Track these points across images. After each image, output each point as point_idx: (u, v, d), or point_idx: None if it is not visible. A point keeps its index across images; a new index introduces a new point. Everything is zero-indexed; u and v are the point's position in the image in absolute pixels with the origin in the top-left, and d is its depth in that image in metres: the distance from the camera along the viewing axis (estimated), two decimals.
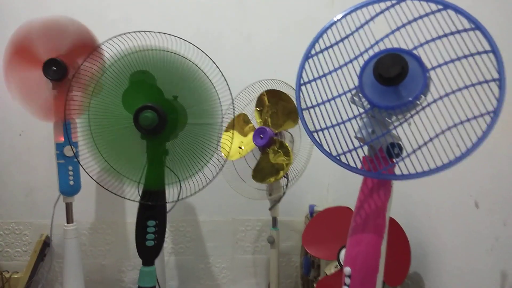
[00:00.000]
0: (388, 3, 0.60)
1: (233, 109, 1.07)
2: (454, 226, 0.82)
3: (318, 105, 0.62)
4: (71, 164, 1.20)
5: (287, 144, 1.20)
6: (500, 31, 0.58)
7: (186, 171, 1.05)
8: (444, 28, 0.56)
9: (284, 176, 1.22)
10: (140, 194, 1.05)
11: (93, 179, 1.02)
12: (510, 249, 0.66)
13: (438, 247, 0.87)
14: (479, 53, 0.54)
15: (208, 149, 1.05)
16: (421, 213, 0.94)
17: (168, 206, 1.08)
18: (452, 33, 0.56)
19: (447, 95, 0.55)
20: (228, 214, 1.58)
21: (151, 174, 1.04)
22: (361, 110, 0.60)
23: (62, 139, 1.19)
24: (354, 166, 0.59)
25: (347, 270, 0.62)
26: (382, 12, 0.60)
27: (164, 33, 1.01)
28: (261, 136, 1.21)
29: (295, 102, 1.10)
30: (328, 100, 0.61)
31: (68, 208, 1.24)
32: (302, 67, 0.63)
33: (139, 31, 1.01)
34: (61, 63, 1.12)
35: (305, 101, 0.63)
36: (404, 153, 0.58)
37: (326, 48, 0.63)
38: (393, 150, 0.60)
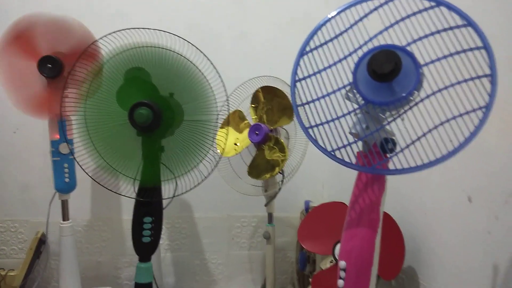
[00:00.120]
0: (382, 0, 0.61)
1: (228, 106, 1.07)
2: (447, 221, 0.83)
3: (313, 101, 0.62)
4: (67, 162, 1.20)
5: (282, 140, 1.21)
6: (493, 28, 0.59)
7: (181, 168, 1.06)
8: (436, 24, 0.57)
9: (280, 172, 1.22)
10: (136, 190, 1.05)
11: (90, 176, 1.02)
12: (502, 242, 0.68)
13: (432, 241, 0.88)
14: (471, 49, 0.54)
15: (204, 146, 1.06)
16: (416, 208, 0.95)
17: (164, 202, 1.09)
18: (444, 30, 0.56)
19: (440, 90, 0.56)
20: (224, 211, 1.59)
21: (147, 170, 1.04)
22: (356, 106, 0.61)
23: (58, 136, 1.18)
24: (349, 161, 0.59)
25: (342, 263, 0.63)
26: (376, 9, 0.61)
27: (160, 30, 1.01)
28: (257, 132, 1.21)
29: (290, 99, 1.11)
30: (323, 96, 0.62)
31: (64, 205, 1.24)
32: (297, 64, 0.64)
33: (134, 28, 1.01)
34: (57, 60, 1.12)
35: (300, 97, 0.63)
36: (398, 148, 0.59)
37: (321, 45, 0.64)
38: (387, 145, 0.60)
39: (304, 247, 1.04)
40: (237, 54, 1.54)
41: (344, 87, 0.62)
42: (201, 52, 1.02)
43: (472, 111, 0.53)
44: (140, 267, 1.06)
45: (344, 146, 0.60)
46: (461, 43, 0.55)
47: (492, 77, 0.52)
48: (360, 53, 0.61)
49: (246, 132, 1.25)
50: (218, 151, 1.14)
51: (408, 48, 0.58)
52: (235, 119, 1.31)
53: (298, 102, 0.63)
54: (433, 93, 0.56)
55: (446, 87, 0.55)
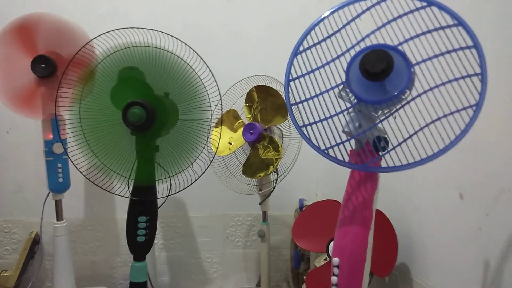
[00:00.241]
0: (374, 0, 0.61)
1: (221, 106, 1.08)
2: (440, 218, 0.85)
3: (307, 100, 0.63)
4: (60, 161, 1.20)
5: (276, 139, 1.21)
6: (483, 27, 0.60)
7: (176, 167, 1.06)
8: (428, 24, 0.57)
9: (274, 171, 1.23)
10: (131, 190, 1.05)
11: (85, 176, 1.02)
12: (492, 238, 0.69)
13: (425, 238, 0.89)
14: (461, 48, 0.55)
15: (198, 145, 1.06)
16: (408, 206, 0.96)
17: (159, 201, 1.09)
18: (435, 29, 0.57)
19: (431, 89, 0.57)
20: (219, 209, 1.59)
21: (142, 170, 1.04)
22: (348, 105, 0.61)
23: (51, 136, 1.18)
24: (342, 159, 0.60)
25: (335, 260, 0.63)
26: (368, 9, 0.61)
27: (154, 30, 1.01)
28: (251, 131, 1.22)
29: (284, 98, 1.11)
30: (316, 95, 0.62)
31: (58, 205, 1.24)
32: (290, 64, 0.64)
33: (128, 28, 1.01)
34: (50, 60, 1.11)
35: (293, 96, 0.64)
36: (390, 146, 0.59)
37: (314, 45, 0.64)
38: (379, 144, 0.61)
39: (298, 245, 1.05)
40: (231, 53, 1.55)
41: (337, 86, 0.62)
42: (194, 51, 1.03)
43: (463, 109, 0.53)
44: (135, 266, 1.06)
45: (337, 145, 0.60)
46: (451, 43, 0.56)
47: (482, 75, 0.53)
48: (352, 52, 0.61)
49: (240, 131, 1.26)
50: (212, 150, 1.14)
51: (400, 47, 0.59)
52: (229, 118, 1.31)
53: (292, 101, 0.64)
54: (425, 92, 0.57)
55: (437, 86, 0.56)
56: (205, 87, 1.04)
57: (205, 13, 1.54)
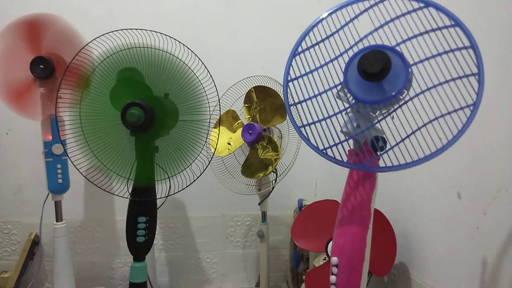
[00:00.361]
0: (372, 1, 0.62)
1: (219, 106, 1.08)
2: (437, 217, 0.85)
3: (305, 100, 0.63)
4: (60, 162, 1.20)
5: (275, 139, 1.22)
6: (480, 28, 0.60)
7: (175, 168, 1.06)
8: (425, 25, 0.58)
9: (273, 171, 1.23)
10: (130, 190, 1.05)
11: (85, 177, 1.02)
12: (490, 237, 0.69)
13: (423, 237, 0.90)
14: (459, 48, 0.55)
15: (197, 146, 1.06)
16: (406, 205, 0.97)
17: (158, 202, 1.09)
18: (433, 30, 0.58)
19: (428, 89, 0.57)
20: (218, 210, 1.59)
21: (141, 170, 1.05)
22: (347, 105, 0.62)
23: (50, 137, 1.18)
24: (340, 159, 0.60)
25: (334, 260, 0.64)
26: (366, 10, 0.62)
27: (152, 31, 1.01)
28: (250, 132, 1.22)
29: (282, 98, 1.12)
30: (315, 96, 0.63)
31: (57, 206, 1.24)
32: (289, 64, 0.65)
33: (126, 29, 1.01)
34: (49, 61, 1.12)
35: (292, 97, 0.64)
36: (388, 146, 0.60)
37: (313, 46, 0.64)
38: (377, 143, 0.61)
39: (297, 245, 1.05)
40: (230, 54, 1.55)
41: (335, 86, 0.63)
42: (192, 52, 1.03)
43: (460, 109, 0.54)
44: (135, 267, 1.07)
45: (336, 145, 0.61)
46: (449, 43, 0.56)
47: (479, 75, 0.53)
48: (351, 53, 0.62)
49: (239, 131, 1.26)
50: (212, 150, 1.14)
51: (397, 48, 0.59)
52: (228, 119, 1.31)
53: (291, 102, 0.64)
54: (422, 92, 0.57)
55: (434, 86, 0.57)
56: (203, 87, 1.05)
57: (204, 13, 1.54)
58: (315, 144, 0.61)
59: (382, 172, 0.60)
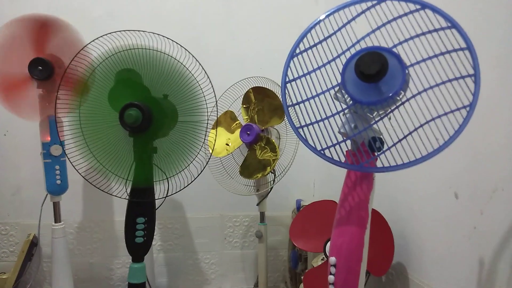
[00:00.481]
0: (369, 3, 0.62)
1: (217, 107, 1.08)
2: (435, 217, 0.85)
3: (303, 101, 0.64)
4: (58, 163, 1.20)
5: (273, 140, 1.22)
6: (476, 30, 0.61)
7: (173, 168, 1.06)
8: (422, 26, 0.58)
9: (271, 172, 1.24)
10: (129, 191, 1.06)
11: (84, 178, 1.02)
12: (487, 236, 0.70)
13: (420, 237, 0.90)
14: (455, 50, 0.56)
15: (195, 147, 1.06)
16: (404, 205, 0.97)
17: (157, 203, 1.09)
18: (429, 32, 0.58)
19: (425, 90, 0.57)
20: (216, 210, 1.60)
21: (139, 171, 1.05)
22: (344, 106, 0.62)
23: (49, 138, 1.18)
24: (338, 160, 0.61)
25: (332, 260, 0.64)
26: (363, 12, 0.62)
27: (149, 32, 1.02)
28: (248, 133, 1.22)
29: (280, 99, 1.12)
30: (313, 97, 0.63)
31: (56, 207, 1.24)
32: (287, 66, 0.65)
33: (124, 30, 1.01)
34: (48, 62, 1.12)
35: (290, 98, 0.65)
36: (385, 147, 0.60)
37: (310, 47, 0.65)
38: (375, 144, 0.62)
39: (296, 245, 1.06)
40: (228, 54, 1.56)
41: (333, 87, 0.63)
42: (190, 53, 1.03)
43: (457, 109, 0.54)
44: (133, 268, 1.07)
45: (333, 145, 0.61)
46: (445, 44, 0.57)
47: (475, 76, 0.54)
48: (348, 54, 0.62)
49: (237, 132, 1.26)
50: (210, 151, 1.15)
51: (394, 49, 0.60)
52: (226, 120, 1.32)
53: (289, 103, 0.64)
54: (419, 93, 0.58)
55: (431, 87, 0.57)
56: (201, 88, 1.05)
57: (201, 14, 1.54)
58: (313, 145, 0.62)
59: (380, 172, 0.60)
